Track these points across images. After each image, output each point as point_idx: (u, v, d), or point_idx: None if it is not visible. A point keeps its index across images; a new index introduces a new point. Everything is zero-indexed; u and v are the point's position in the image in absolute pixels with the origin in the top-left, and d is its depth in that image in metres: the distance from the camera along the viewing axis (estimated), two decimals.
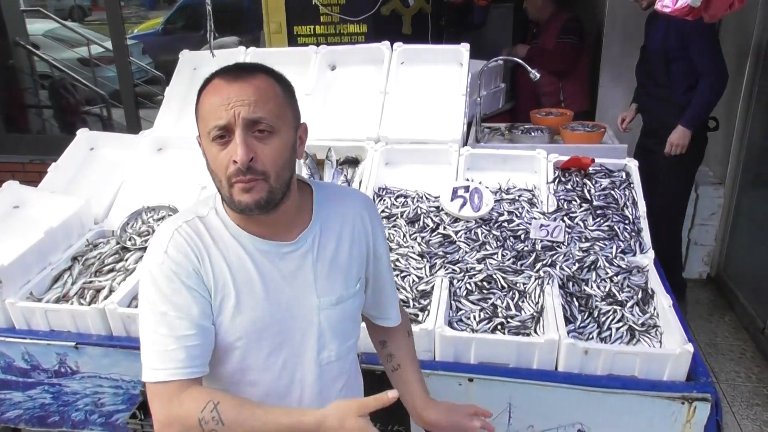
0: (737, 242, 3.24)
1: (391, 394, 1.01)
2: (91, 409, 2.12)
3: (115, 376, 2.05)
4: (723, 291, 3.57)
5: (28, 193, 2.46)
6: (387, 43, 2.97)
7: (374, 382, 1.58)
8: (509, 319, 1.95)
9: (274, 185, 1.10)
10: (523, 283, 2.07)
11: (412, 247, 2.25)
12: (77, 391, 2.09)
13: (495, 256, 2.19)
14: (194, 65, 3.16)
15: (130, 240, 2.33)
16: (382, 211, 2.43)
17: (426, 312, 1.97)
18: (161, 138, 2.82)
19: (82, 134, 2.84)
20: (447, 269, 2.14)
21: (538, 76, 2.94)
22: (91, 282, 2.14)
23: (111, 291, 2.10)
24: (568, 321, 1.93)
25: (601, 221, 2.33)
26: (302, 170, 2.64)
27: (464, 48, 2.93)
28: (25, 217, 2.37)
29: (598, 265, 2.15)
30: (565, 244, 2.24)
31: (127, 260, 2.24)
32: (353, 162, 2.71)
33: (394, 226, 2.36)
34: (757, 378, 2.91)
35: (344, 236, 1.27)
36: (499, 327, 1.94)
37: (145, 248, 2.27)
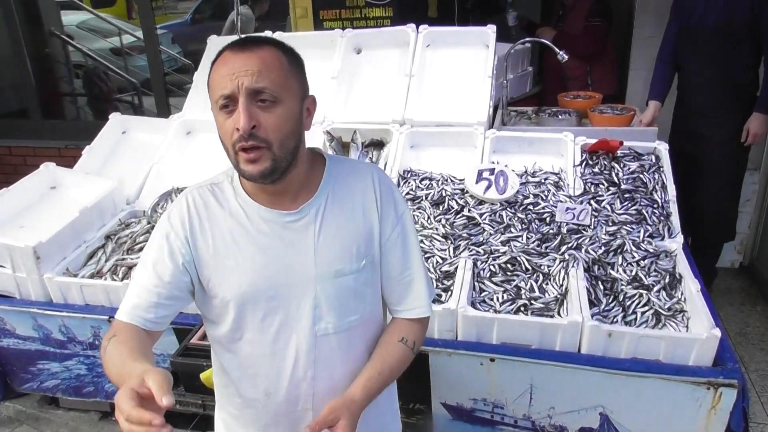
0: None
1: (164, 402, 0.88)
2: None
3: None
4: (756, 280, 3.49)
5: (63, 174, 2.53)
6: (412, 25, 2.96)
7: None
8: (533, 301, 1.95)
9: (278, 154, 1.12)
10: (548, 266, 2.07)
11: (437, 228, 2.26)
12: None
13: (519, 239, 2.18)
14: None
15: None
16: (407, 194, 2.44)
17: (449, 292, 1.98)
18: (190, 122, 2.86)
19: (115, 118, 2.91)
20: (471, 251, 2.14)
21: (566, 57, 2.89)
22: (123, 259, 2.21)
23: None
24: (592, 304, 1.92)
25: (629, 205, 2.30)
26: (327, 152, 2.66)
27: (491, 30, 2.90)
28: (61, 197, 2.45)
29: (624, 249, 2.12)
30: (592, 227, 2.22)
31: None
32: (378, 144, 2.71)
33: (418, 208, 2.36)
34: None
35: (353, 210, 1.26)
36: (522, 309, 1.94)
37: None
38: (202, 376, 1.76)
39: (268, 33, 3.10)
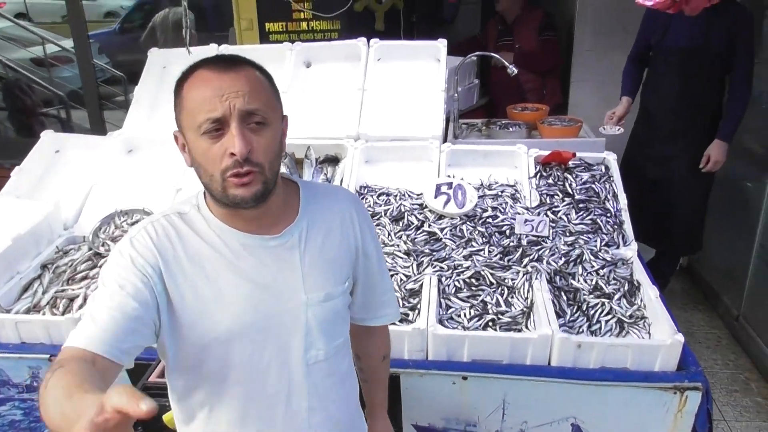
0: (709, 233, 3.31)
1: (144, 407, 0.66)
2: None
3: None
4: (696, 281, 3.65)
5: None
6: (363, 39, 2.94)
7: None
8: (500, 316, 1.94)
9: (268, 176, 1.09)
10: (512, 279, 2.06)
11: (398, 245, 2.22)
12: None
13: (482, 253, 2.17)
14: (164, 63, 3.07)
15: (103, 245, 2.23)
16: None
17: (416, 311, 1.94)
18: (132, 139, 2.72)
19: (47, 136, 2.72)
20: (434, 267, 2.12)
21: (516, 71, 2.94)
22: (63, 290, 2.05)
23: (85, 299, 2.01)
24: (557, 315, 1.92)
25: (584, 215, 2.34)
26: (281, 170, 2.58)
27: (441, 44, 2.92)
28: None
29: (583, 259, 2.15)
30: (550, 238, 2.24)
31: (101, 267, 2.15)
32: (333, 160, 2.66)
33: (378, 225, 2.32)
34: (734, 365, 2.99)
35: (332, 233, 1.24)
36: (490, 323, 1.92)
37: None
38: (165, 417, 1.63)
39: (213, 45, 3.00)
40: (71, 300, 2.02)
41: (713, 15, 2.74)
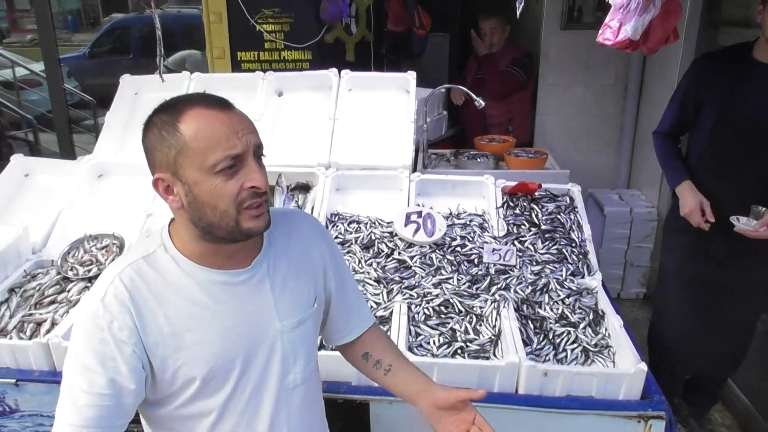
0: None
1: None
2: None
3: None
4: None
5: None
6: (334, 70, 2.99)
7: (334, 410, 1.61)
8: (468, 343, 1.97)
9: (267, 205, 1.14)
10: (480, 307, 2.10)
11: (368, 273, 2.25)
12: (16, 431, 1.95)
13: (451, 281, 2.21)
14: (135, 90, 3.07)
15: (71, 270, 2.21)
16: (336, 237, 2.42)
17: None
18: (102, 164, 2.71)
19: (16, 160, 2.69)
20: (404, 294, 2.15)
21: (483, 104, 3.03)
22: (31, 315, 2.02)
23: (53, 324, 1.98)
24: (524, 343, 1.96)
25: (550, 245, 2.41)
26: None
27: (411, 76, 2.99)
28: None
29: (550, 288, 2.21)
30: (518, 267, 2.29)
31: (69, 291, 2.12)
32: (304, 188, 2.69)
33: (348, 252, 2.35)
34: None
35: (297, 257, 1.27)
36: (458, 351, 1.95)
37: (89, 278, 2.16)
38: None
39: (185, 73, 3.02)
40: (39, 324, 1.99)
41: None
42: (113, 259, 2.19)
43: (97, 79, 8.17)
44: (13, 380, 1.87)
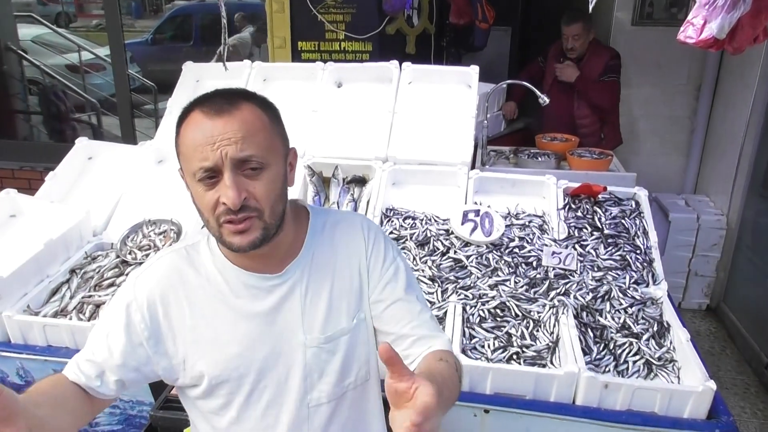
0: (739, 274, 3.22)
1: None
2: (86, 429, 2.03)
3: None
4: (723, 323, 3.56)
5: (25, 202, 2.37)
6: (395, 62, 2.94)
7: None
8: (524, 349, 1.91)
9: (269, 221, 1.04)
10: (537, 312, 2.03)
11: (423, 270, 2.20)
12: None
13: (508, 283, 2.14)
14: (197, 77, 3.11)
15: (130, 254, 2.24)
16: (390, 233, 2.38)
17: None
18: (163, 150, 2.74)
19: (81, 143, 2.76)
20: (459, 295, 2.09)
21: (548, 101, 2.92)
22: (90, 296, 2.06)
23: None
24: (583, 352, 1.88)
25: (613, 250, 2.30)
26: (308, 188, 2.59)
27: (473, 70, 2.91)
28: (23, 227, 2.28)
29: (612, 296, 2.11)
30: (578, 272, 2.21)
31: (127, 274, 2.16)
32: (360, 181, 2.66)
33: (403, 248, 2.31)
34: (764, 414, 2.86)
35: (339, 266, 1.17)
36: (514, 356, 1.89)
37: None
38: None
39: (246, 62, 3.03)
40: (97, 306, 2.03)
41: None
42: (170, 245, 2.21)
43: (158, 65, 8.36)
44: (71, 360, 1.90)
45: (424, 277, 2.17)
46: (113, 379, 1.10)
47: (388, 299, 1.17)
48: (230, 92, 1.06)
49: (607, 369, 1.87)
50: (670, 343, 1.97)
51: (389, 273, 1.19)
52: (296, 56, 3.67)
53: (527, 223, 2.42)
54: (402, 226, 2.42)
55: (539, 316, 2.01)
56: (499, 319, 2.02)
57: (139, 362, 1.11)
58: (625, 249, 2.31)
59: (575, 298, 2.08)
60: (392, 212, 2.50)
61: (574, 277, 2.18)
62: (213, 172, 0.99)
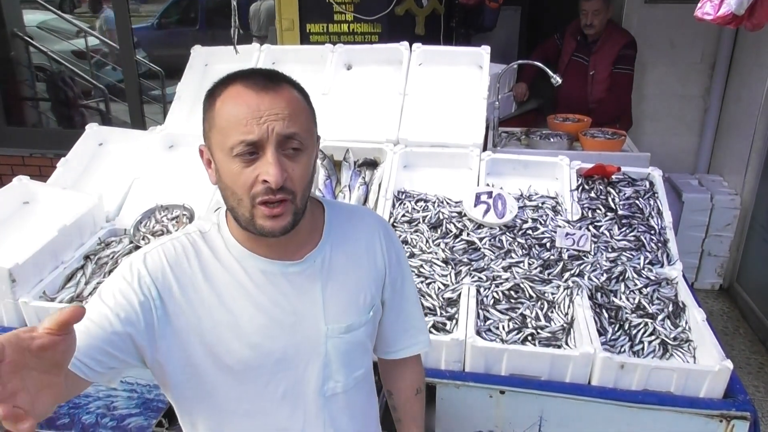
0: (752, 253, 3.20)
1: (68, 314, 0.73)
2: (103, 412, 2.05)
3: (130, 379, 1.98)
4: (737, 303, 3.55)
5: (37, 188, 2.38)
6: (406, 43, 2.92)
7: None
8: (539, 330, 1.90)
9: (299, 205, 1.02)
10: (552, 293, 2.03)
11: (436, 253, 2.19)
12: (89, 393, 2.02)
13: (521, 264, 2.13)
14: (206, 61, 3.09)
15: (143, 239, 2.25)
16: (403, 216, 2.37)
17: (454, 321, 1.92)
18: (173, 135, 2.74)
19: (91, 129, 2.76)
20: (473, 277, 2.09)
21: (560, 81, 2.89)
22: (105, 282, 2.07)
23: None
24: (598, 333, 1.88)
25: (627, 231, 2.29)
26: (319, 172, 2.58)
27: (484, 51, 2.88)
28: (36, 214, 2.30)
29: (626, 276, 2.10)
30: (592, 253, 2.19)
31: None
32: (371, 164, 2.64)
33: (416, 231, 2.30)
34: None
35: (356, 258, 1.17)
36: (529, 338, 1.89)
37: None
38: None
39: (255, 45, 3.01)
40: None
41: None
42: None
43: (165, 50, 8.33)
44: None
45: (437, 259, 2.17)
46: (101, 359, 0.98)
47: (397, 293, 1.25)
48: (270, 72, 1.05)
49: (622, 349, 1.87)
50: (686, 323, 1.96)
51: (401, 268, 1.25)
52: (305, 39, 3.65)
53: (540, 205, 2.40)
54: (414, 208, 2.41)
55: (553, 298, 2.01)
56: (513, 300, 2.01)
57: (123, 350, 1.00)
58: (640, 230, 2.29)
59: (589, 279, 2.07)
60: (404, 195, 2.49)
61: (588, 258, 2.17)
62: (254, 148, 0.97)
